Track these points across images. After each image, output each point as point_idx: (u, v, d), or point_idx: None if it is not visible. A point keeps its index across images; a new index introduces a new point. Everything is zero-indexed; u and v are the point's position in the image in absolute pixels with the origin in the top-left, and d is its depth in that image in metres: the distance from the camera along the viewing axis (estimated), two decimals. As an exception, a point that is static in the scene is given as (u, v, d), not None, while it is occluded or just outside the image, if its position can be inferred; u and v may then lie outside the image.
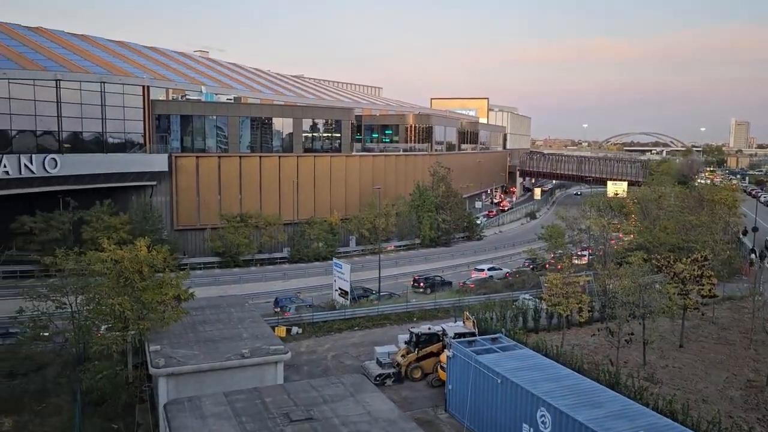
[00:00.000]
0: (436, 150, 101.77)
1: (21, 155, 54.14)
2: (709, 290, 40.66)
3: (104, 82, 61.85)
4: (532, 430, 24.41)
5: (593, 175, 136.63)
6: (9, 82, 54.38)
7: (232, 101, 77.93)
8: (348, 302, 48.51)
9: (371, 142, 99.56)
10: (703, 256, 42.07)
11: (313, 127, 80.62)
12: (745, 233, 74.73)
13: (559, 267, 45.98)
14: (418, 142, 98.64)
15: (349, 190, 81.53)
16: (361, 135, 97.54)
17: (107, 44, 75.81)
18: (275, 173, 74.80)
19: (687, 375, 35.56)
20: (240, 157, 72.52)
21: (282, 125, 77.25)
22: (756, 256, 65.64)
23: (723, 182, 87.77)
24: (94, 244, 36.90)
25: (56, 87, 57.85)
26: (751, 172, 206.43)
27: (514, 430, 25.41)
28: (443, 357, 32.48)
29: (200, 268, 65.06)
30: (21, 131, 55.98)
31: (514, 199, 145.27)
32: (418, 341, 35.35)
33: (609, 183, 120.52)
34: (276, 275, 64.39)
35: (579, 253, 61.85)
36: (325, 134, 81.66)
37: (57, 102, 57.99)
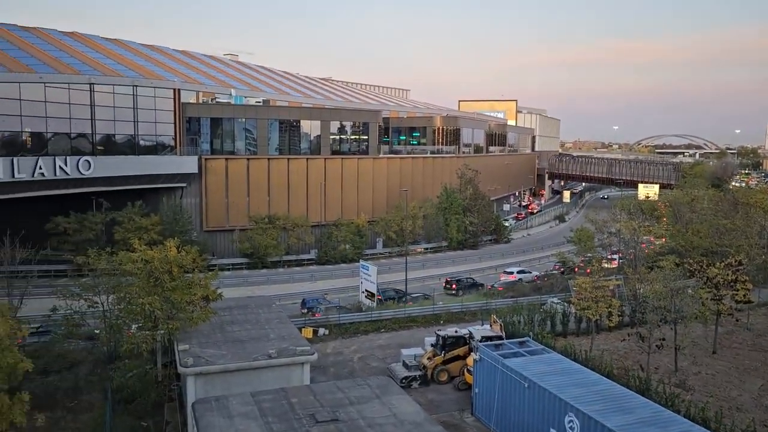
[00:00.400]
0: (463, 152, 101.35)
1: (56, 157, 55.37)
2: (744, 295, 39.69)
3: (136, 86, 62.98)
4: (559, 435, 24.08)
5: (624, 178, 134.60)
6: (45, 86, 55.70)
7: (261, 104, 78.72)
8: (375, 304, 48.52)
9: (398, 144, 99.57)
10: (737, 261, 41.11)
11: (341, 130, 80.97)
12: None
13: (588, 271, 45.37)
14: (446, 145, 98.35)
15: (377, 192, 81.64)
16: (388, 137, 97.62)
17: (139, 48, 77.17)
18: (303, 175, 75.28)
19: (720, 382, 34.72)
20: (268, 159, 73.16)
21: (310, 127, 77.71)
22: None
23: (758, 185, 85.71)
24: (126, 244, 37.57)
25: (90, 90, 59.08)
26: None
27: (541, 435, 25.10)
28: (470, 360, 32.27)
29: (229, 269, 65.76)
30: (56, 134, 57.28)
31: (542, 201, 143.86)
32: (445, 344, 35.17)
33: (640, 186, 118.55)
34: (303, 277, 64.75)
35: (609, 256, 60.96)
36: (352, 136, 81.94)
37: (91, 105, 59.22)
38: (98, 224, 59.94)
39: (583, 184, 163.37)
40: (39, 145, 55.97)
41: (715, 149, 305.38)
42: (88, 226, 59.52)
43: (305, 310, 47.88)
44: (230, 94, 76.00)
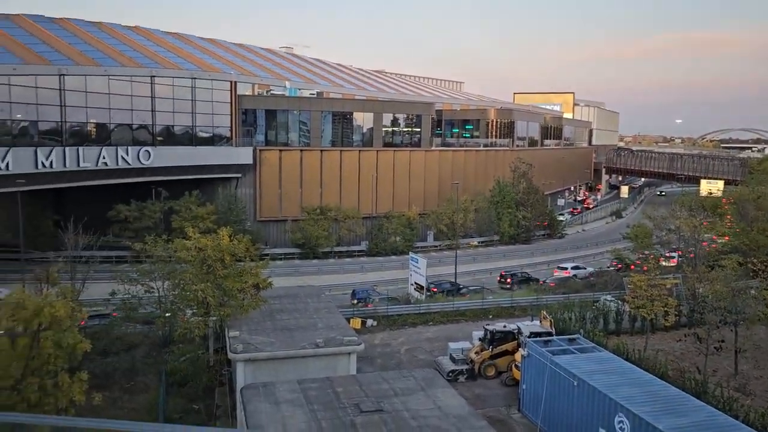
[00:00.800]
0: (517, 145, 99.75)
1: (118, 147, 57.41)
2: (812, 298, 37.65)
3: (195, 78, 64.59)
4: (609, 435, 23.49)
5: (686, 173, 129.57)
6: (109, 79, 57.76)
7: (315, 96, 79.46)
8: (424, 296, 48.44)
9: (451, 136, 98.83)
10: (806, 261, 39.05)
11: (394, 122, 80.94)
12: None
13: (645, 268, 44.00)
14: (500, 138, 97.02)
15: (428, 184, 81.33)
16: (441, 130, 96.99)
17: (198, 42, 79.03)
18: (355, 167, 75.68)
19: (784, 388, 33.17)
20: (321, 151, 73.86)
21: (363, 119, 78.02)
22: None
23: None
24: (182, 232, 38.68)
25: (151, 83, 60.93)
26: None
27: (589, 435, 24.56)
28: (518, 356, 31.86)
29: (281, 259, 66.84)
30: (119, 125, 59.34)
31: (599, 197, 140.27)
32: (493, 338, 34.83)
33: (703, 181, 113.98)
34: (353, 268, 65.21)
35: (667, 254, 58.95)
36: (405, 129, 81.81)
37: (151, 97, 61.07)
38: (157, 212, 61.87)
39: (642, 179, 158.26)
40: (103, 135, 58.14)
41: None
42: (148, 214, 61.52)
43: (356, 301, 48.24)
44: (285, 86, 77.01)
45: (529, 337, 32.52)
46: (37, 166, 50.38)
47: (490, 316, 45.17)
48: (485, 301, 47.88)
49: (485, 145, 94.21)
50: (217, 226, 44.73)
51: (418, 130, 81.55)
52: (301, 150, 73.05)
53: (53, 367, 23.27)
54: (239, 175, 69.27)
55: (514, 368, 33.10)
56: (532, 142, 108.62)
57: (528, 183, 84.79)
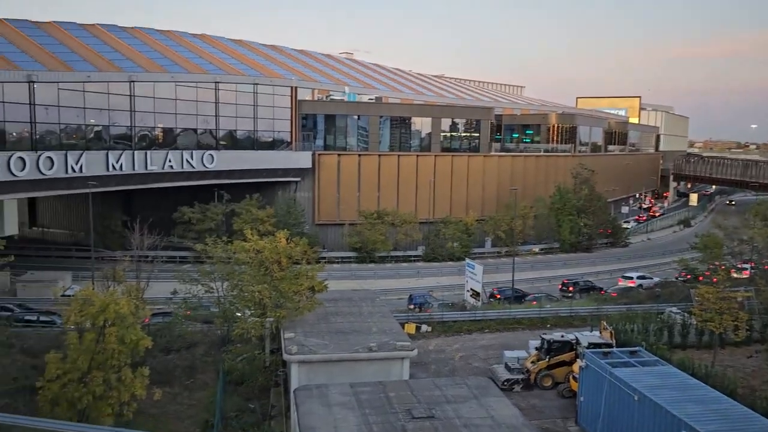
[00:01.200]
0: (580, 151, 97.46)
1: (183, 151, 59.37)
2: None
3: (257, 84, 66.18)
4: (671, 453, 22.50)
5: (761, 181, 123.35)
6: (176, 85, 59.87)
7: (374, 101, 79.99)
8: (479, 303, 47.86)
9: (511, 141, 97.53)
10: None
11: (452, 127, 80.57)
12: None
13: (714, 280, 42.08)
14: (561, 143, 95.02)
15: (486, 190, 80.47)
16: (500, 135, 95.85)
17: (261, 48, 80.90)
18: (413, 172, 75.68)
19: None
20: (379, 155, 74.23)
21: (421, 124, 78.04)
22: None
23: None
24: (243, 235, 39.61)
25: (215, 89, 62.78)
26: None
27: (650, 452, 23.59)
28: (576, 367, 30.98)
29: (338, 262, 67.45)
30: (184, 129, 61.41)
31: (665, 204, 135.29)
32: (550, 348, 34.01)
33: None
34: (409, 273, 65.09)
35: (739, 266, 56.23)
36: (464, 134, 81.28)
37: (215, 102, 62.93)
38: (219, 215, 63.60)
39: (713, 187, 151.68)
40: (169, 139, 60.27)
41: None
42: (210, 216, 63.32)
43: (412, 306, 48.11)
44: (344, 92, 77.86)
45: (587, 347, 31.58)
46: (108, 169, 52.63)
47: (548, 326, 44.14)
48: (543, 310, 46.84)
49: (546, 151, 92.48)
50: (277, 228, 45.56)
51: (477, 135, 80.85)
52: (359, 155, 73.62)
53: (117, 361, 24.21)
54: (298, 179, 70.42)
55: (571, 379, 32.21)
56: (595, 148, 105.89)
57: (590, 189, 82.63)
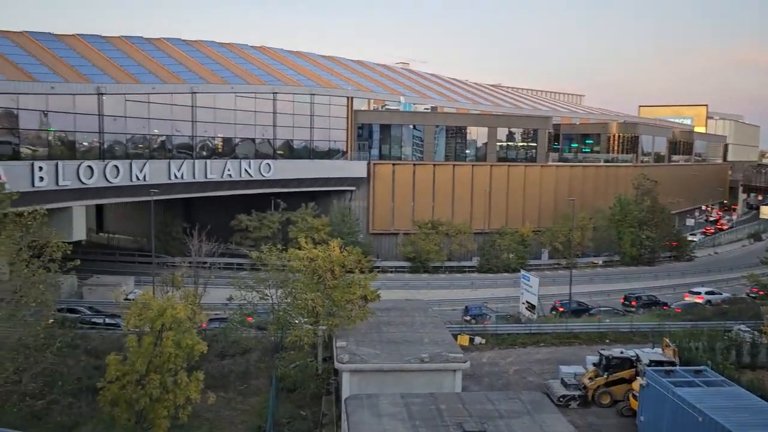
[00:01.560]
0: (642, 161, 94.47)
1: (242, 160, 60.71)
2: None
3: (314, 94, 67.14)
4: (738, 480, 21.28)
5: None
6: (235, 96, 61.38)
7: (429, 110, 79.87)
8: (534, 316, 46.84)
9: (569, 151, 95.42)
10: None
11: (509, 136, 79.54)
12: None
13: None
14: (622, 153, 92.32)
15: (544, 201, 78.94)
16: (559, 144, 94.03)
17: (317, 59, 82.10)
18: (468, 182, 75.03)
19: None
20: (434, 165, 73.96)
21: (476, 134, 77.37)
22: None
23: None
24: (298, 243, 40.05)
25: (273, 99, 64.03)
26: None
27: (716, 478, 22.39)
28: (636, 385, 29.85)
29: (391, 272, 67.37)
30: (243, 139, 62.82)
31: (734, 217, 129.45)
32: (609, 365, 32.91)
33: None
34: (463, 284, 64.39)
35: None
36: (520, 143, 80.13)
37: (273, 113, 64.16)
38: (275, 223, 64.61)
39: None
40: (228, 149, 61.76)
41: None
42: (267, 224, 64.40)
43: (468, 317, 47.53)
44: (399, 101, 78.05)
45: (648, 365, 30.43)
46: (169, 178, 54.27)
47: (607, 341, 42.74)
48: (601, 325, 45.42)
49: (606, 161, 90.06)
50: (331, 237, 45.90)
51: (534, 144, 79.52)
52: (414, 164, 73.54)
53: (173, 365, 24.75)
54: (353, 188, 70.87)
55: (631, 397, 31.03)
56: (659, 158, 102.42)
57: (653, 201, 79.88)
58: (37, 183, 43.65)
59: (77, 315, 42.33)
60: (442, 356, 29.45)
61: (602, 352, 34.24)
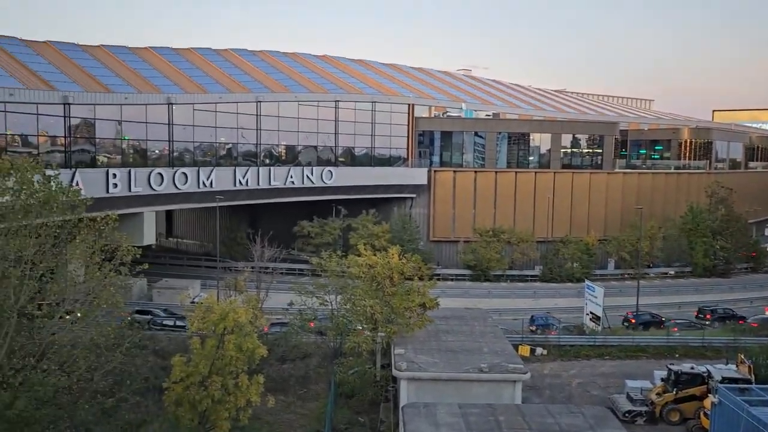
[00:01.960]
0: (716, 168, 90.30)
1: (304, 167, 61.80)
2: None
3: (375, 102, 67.69)
4: None
5: None
6: (298, 104, 62.58)
7: (491, 117, 79.04)
8: (599, 327, 45.42)
9: (637, 158, 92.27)
10: None
11: (573, 143, 77.69)
12: None
13: None
14: (694, 159, 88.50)
15: (610, 209, 76.59)
16: (626, 151, 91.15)
17: (379, 67, 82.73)
18: (530, 189, 73.69)
19: None
20: (496, 172, 73.05)
21: (539, 140, 75.99)
22: None
23: None
24: (359, 249, 40.39)
25: (335, 107, 64.91)
26: None
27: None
28: (707, 402, 28.41)
29: (452, 280, 66.84)
30: (305, 146, 63.93)
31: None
32: (678, 380, 31.54)
33: None
34: (525, 293, 63.18)
35: None
36: (585, 150, 78.14)
37: (335, 120, 65.03)
38: (336, 229, 65.27)
39: None
40: (291, 156, 62.98)
41: None
42: (328, 231, 65.14)
43: (534, 327, 46.61)
44: (461, 108, 77.61)
45: (721, 382, 28.95)
46: (234, 184, 55.80)
47: (676, 355, 40.99)
48: (671, 338, 43.63)
49: (677, 168, 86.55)
50: (392, 244, 45.99)
51: (600, 151, 77.36)
52: (476, 171, 72.86)
53: (234, 368, 25.30)
54: (414, 195, 70.85)
55: (702, 416, 29.60)
56: (734, 164, 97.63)
57: (728, 209, 76.23)
58: (111, 189, 45.74)
59: (149, 316, 43.96)
60: (502, 366, 28.94)
61: (671, 366, 32.90)
